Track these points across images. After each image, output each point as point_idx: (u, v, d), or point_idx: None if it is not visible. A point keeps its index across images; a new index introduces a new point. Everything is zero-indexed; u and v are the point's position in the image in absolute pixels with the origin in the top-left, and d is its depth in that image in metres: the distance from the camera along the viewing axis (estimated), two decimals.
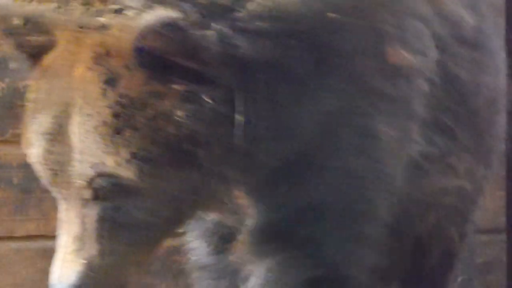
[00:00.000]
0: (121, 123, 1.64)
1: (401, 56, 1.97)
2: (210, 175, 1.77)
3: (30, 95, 1.77)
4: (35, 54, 1.75)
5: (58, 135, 1.68)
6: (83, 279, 1.64)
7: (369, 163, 1.95)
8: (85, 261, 1.65)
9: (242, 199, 1.90)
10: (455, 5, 2.29)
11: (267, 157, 1.82)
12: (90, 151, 1.64)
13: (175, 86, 1.66)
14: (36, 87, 1.76)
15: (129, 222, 1.71)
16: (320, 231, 1.94)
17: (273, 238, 1.97)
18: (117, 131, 1.63)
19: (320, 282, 1.94)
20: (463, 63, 2.27)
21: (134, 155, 1.65)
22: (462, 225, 2.61)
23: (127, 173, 1.65)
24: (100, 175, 1.65)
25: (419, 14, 2.08)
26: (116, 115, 1.63)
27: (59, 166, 1.69)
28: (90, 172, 1.65)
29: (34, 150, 1.73)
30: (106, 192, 1.67)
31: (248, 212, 1.95)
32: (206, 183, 1.78)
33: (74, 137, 1.65)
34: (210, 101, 1.70)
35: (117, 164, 1.64)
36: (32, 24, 1.70)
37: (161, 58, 1.62)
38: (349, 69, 1.85)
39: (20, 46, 1.77)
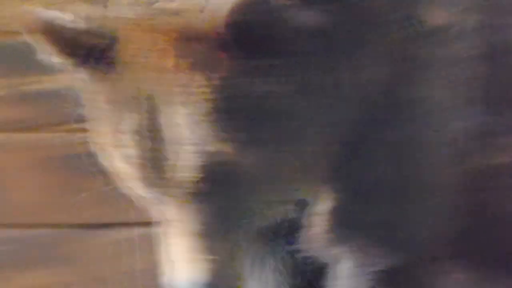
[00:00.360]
0: (234, 107, 1.61)
1: (439, 16, 1.85)
2: (311, 152, 1.73)
3: (101, 96, 1.72)
4: (89, 55, 1.69)
5: (159, 131, 1.63)
6: (212, 276, 1.63)
7: (426, 132, 1.89)
8: (209, 258, 1.63)
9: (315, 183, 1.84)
10: None
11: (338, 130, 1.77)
12: (204, 141, 1.61)
13: (271, 61, 1.61)
14: (113, 83, 1.69)
15: (241, 214, 1.70)
16: (397, 209, 1.89)
17: (346, 223, 1.93)
18: (234, 115, 1.61)
19: (407, 267, 1.91)
20: (510, 33, 2.05)
21: (251, 138, 1.62)
22: None
23: (245, 159, 1.63)
24: (217, 165, 1.62)
25: None
26: (226, 99, 1.60)
27: (164, 162, 1.65)
28: (206, 163, 1.62)
29: (135, 149, 1.68)
30: (222, 183, 1.64)
31: (319, 197, 1.89)
32: (308, 163, 1.74)
33: (182, 129, 1.61)
34: (316, 69, 1.66)
35: (235, 150, 1.61)
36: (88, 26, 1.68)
37: (251, 35, 1.56)
38: (390, 35, 1.78)
39: (72, 49, 1.68)
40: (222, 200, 1.66)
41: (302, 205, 1.92)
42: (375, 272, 1.92)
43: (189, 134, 1.60)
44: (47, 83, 3.51)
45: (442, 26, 1.85)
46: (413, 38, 1.83)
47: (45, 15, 1.63)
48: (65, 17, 1.66)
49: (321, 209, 1.90)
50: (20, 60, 3.34)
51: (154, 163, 1.66)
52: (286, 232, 2.04)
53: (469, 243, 2.10)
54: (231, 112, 1.60)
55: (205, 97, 1.58)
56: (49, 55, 1.70)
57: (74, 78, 1.83)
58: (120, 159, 1.74)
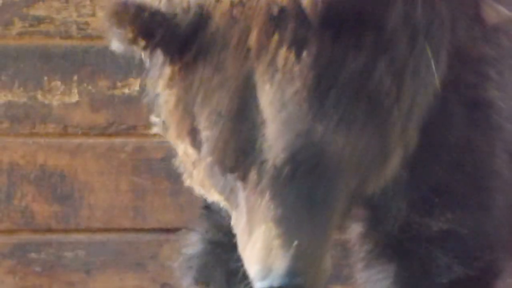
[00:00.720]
0: (325, 84, 1.59)
1: (498, 12, 1.89)
2: (394, 138, 1.70)
3: (191, 73, 1.70)
4: (181, 41, 1.67)
5: (243, 111, 1.63)
6: (298, 263, 1.55)
7: (484, 135, 1.91)
8: (295, 244, 1.55)
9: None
10: None
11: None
12: (295, 119, 1.58)
13: (367, 37, 1.62)
14: (199, 63, 1.68)
15: (325, 200, 1.63)
16: (453, 219, 1.87)
17: (399, 227, 1.90)
18: (324, 93, 1.59)
19: (465, 283, 1.87)
20: None
21: (342, 117, 1.60)
22: None
23: (336, 138, 1.60)
24: (306, 145, 1.59)
25: None
26: (318, 76, 1.58)
27: (249, 144, 1.62)
28: (295, 144, 1.58)
29: (213, 132, 1.65)
30: (309, 166, 1.60)
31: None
32: (390, 150, 1.72)
33: (269, 108, 1.59)
34: (404, 47, 1.68)
35: (326, 129, 1.59)
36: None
37: (341, 9, 1.55)
38: (450, 37, 1.81)
39: (164, 36, 1.65)
40: (308, 185, 1.61)
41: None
42: (443, 283, 1.88)
43: (280, 113, 1.58)
44: (126, 89, 3.55)
45: (499, 24, 1.91)
46: (474, 38, 1.88)
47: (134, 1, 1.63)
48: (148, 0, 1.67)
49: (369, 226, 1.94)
50: (104, 65, 3.41)
51: (239, 145, 1.63)
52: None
53: None
54: (323, 89, 1.59)
55: (297, 74, 1.57)
56: (129, 43, 1.68)
57: (151, 78, 1.84)
58: (205, 141, 1.68)
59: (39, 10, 3.36)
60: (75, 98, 3.45)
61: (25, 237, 3.55)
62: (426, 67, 1.74)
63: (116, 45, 1.72)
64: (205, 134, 1.68)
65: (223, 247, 2.13)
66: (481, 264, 1.89)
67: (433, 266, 1.90)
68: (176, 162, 1.96)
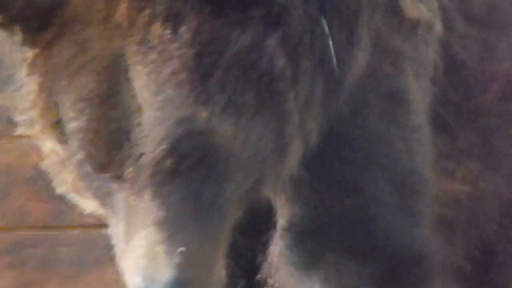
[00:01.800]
0: (208, 63, 1.39)
1: (417, 9, 1.74)
2: (292, 130, 1.51)
3: (51, 54, 1.46)
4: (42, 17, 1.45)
5: (113, 96, 1.40)
6: (185, 271, 1.35)
7: (403, 131, 1.74)
8: (180, 250, 1.34)
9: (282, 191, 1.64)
10: None
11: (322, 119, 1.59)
12: (175, 103, 1.37)
13: (254, 12, 1.43)
14: (60, 42, 1.45)
15: (215, 198, 1.43)
16: (373, 206, 1.70)
17: (320, 229, 1.70)
18: (207, 73, 1.39)
19: (396, 266, 1.71)
20: (472, 46, 1.98)
21: (229, 101, 1.41)
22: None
23: (223, 125, 1.40)
24: (189, 134, 1.38)
25: None
26: (199, 55, 1.38)
27: (123, 134, 1.38)
28: (177, 132, 1.36)
29: (80, 122, 1.41)
30: (193, 158, 1.39)
31: (287, 200, 1.68)
32: (286, 143, 1.52)
33: (144, 91, 1.38)
34: (296, 22, 1.49)
35: (212, 115, 1.38)
36: None
37: None
38: (373, 28, 1.66)
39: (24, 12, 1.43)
40: (194, 181, 1.40)
41: (269, 207, 1.70)
42: (368, 276, 1.70)
43: (156, 98, 1.38)
44: None
45: (418, 21, 1.75)
46: (396, 29, 1.73)
47: None
48: None
49: (284, 224, 1.69)
50: None
51: (111, 137, 1.40)
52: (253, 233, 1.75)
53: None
54: (206, 69, 1.39)
55: (174, 53, 1.37)
56: None
57: (13, 65, 1.60)
58: (70, 133, 1.45)
59: None
60: None
61: (22, 234, 3.69)
62: (323, 46, 1.56)
63: None
64: (71, 125, 1.43)
65: None
66: (409, 252, 1.73)
67: (357, 258, 1.70)
68: (44, 164, 1.68)
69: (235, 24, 1.41)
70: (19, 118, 1.61)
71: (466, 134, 1.98)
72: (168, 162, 1.36)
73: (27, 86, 1.53)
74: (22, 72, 1.52)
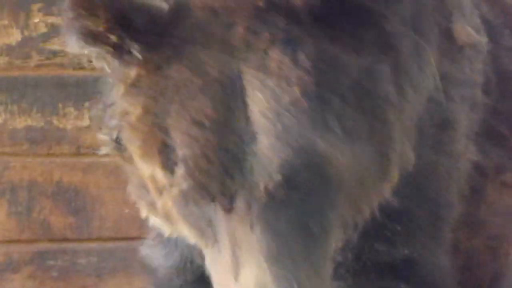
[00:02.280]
0: (326, 90, 1.33)
1: (469, 34, 1.75)
2: (394, 157, 1.47)
3: (162, 77, 1.39)
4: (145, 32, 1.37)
5: (228, 122, 1.32)
6: None
7: (448, 161, 1.73)
8: (294, 285, 1.27)
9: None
10: None
11: None
12: (293, 132, 1.30)
13: (367, 36, 1.39)
14: (172, 64, 1.38)
15: (322, 229, 1.36)
16: (412, 248, 1.69)
17: (360, 264, 1.69)
18: (327, 102, 1.33)
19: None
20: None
21: (345, 130, 1.35)
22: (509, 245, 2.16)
23: (340, 154, 1.34)
24: (307, 164, 1.31)
25: None
26: (318, 82, 1.32)
27: (236, 164, 1.31)
28: (293, 163, 1.29)
29: (191, 149, 1.33)
30: (306, 189, 1.33)
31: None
32: (388, 171, 1.48)
33: (261, 119, 1.31)
34: (406, 49, 1.47)
35: (330, 145, 1.32)
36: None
37: (343, 6, 1.34)
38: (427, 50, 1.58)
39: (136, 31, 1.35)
40: (304, 210, 1.33)
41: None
42: None
43: (274, 126, 1.30)
44: None
45: (467, 44, 1.74)
46: (446, 53, 1.68)
47: None
48: None
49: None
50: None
51: (224, 166, 1.32)
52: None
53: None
54: (326, 97, 1.33)
55: (294, 80, 1.31)
56: (97, 38, 1.36)
57: (107, 83, 1.56)
58: (166, 167, 1.38)
59: (54, 45, 3.67)
60: (86, 122, 3.66)
61: (43, 246, 3.82)
62: (426, 77, 1.56)
63: (74, 44, 1.38)
64: (181, 152, 1.34)
65: None
66: None
67: None
68: (129, 188, 1.65)
69: (350, 49, 1.36)
70: (102, 137, 1.59)
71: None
72: (283, 193, 1.30)
73: (122, 107, 1.46)
74: (118, 91, 1.46)
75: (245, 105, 1.32)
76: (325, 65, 1.33)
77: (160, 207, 1.49)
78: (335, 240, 1.45)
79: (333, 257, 1.47)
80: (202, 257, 1.52)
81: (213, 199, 1.33)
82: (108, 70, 1.46)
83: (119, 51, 1.38)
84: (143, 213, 1.62)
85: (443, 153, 1.71)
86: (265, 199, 1.30)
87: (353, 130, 1.36)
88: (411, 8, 1.51)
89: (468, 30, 1.72)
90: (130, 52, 1.38)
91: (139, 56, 1.37)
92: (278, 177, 1.28)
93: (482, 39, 1.81)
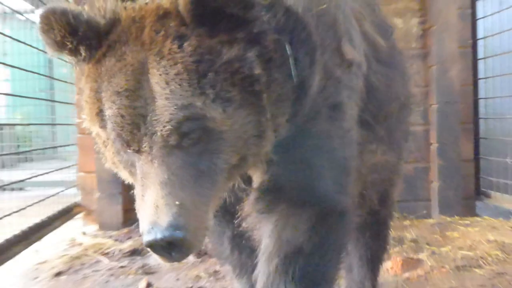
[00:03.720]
0: (204, 68, 1.82)
1: (352, 53, 2.40)
2: (266, 122, 1.96)
3: (100, 66, 1.92)
4: (98, 37, 1.92)
5: (136, 91, 1.83)
6: (179, 218, 1.71)
7: (340, 130, 2.30)
8: (177, 203, 1.73)
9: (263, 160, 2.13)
10: (374, 30, 2.95)
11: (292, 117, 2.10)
12: (178, 95, 1.80)
13: (238, 35, 1.90)
14: (106, 57, 1.92)
15: (209, 168, 1.86)
16: (317, 177, 2.21)
17: (279, 189, 2.19)
18: (202, 75, 1.81)
19: (326, 215, 2.21)
20: (381, 78, 2.85)
21: (218, 95, 1.83)
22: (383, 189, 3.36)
23: (213, 112, 1.82)
24: (189, 117, 1.80)
25: (355, 28, 2.61)
26: (197, 61, 1.82)
27: (141, 118, 1.81)
28: (179, 116, 1.79)
29: (112, 110, 1.86)
30: (192, 136, 1.82)
31: (260, 172, 2.20)
32: (262, 131, 1.96)
33: (157, 86, 1.81)
34: (270, 44, 1.97)
35: (205, 104, 1.81)
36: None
37: (217, 13, 1.85)
38: (324, 61, 2.19)
39: (86, 34, 1.90)
40: (192, 154, 1.83)
41: (248, 182, 2.27)
42: (306, 219, 2.18)
43: (165, 90, 1.80)
44: None
45: (352, 61, 2.39)
46: (338, 65, 2.30)
47: (61, 6, 1.89)
48: (74, 8, 1.92)
49: (256, 186, 2.23)
50: None
51: (133, 120, 1.82)
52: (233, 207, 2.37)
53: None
54: (201, 72, 1.81)
55: (179, 60, 1.81)
56: (58, 45, 1.93)
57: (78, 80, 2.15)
58: (106, 118, 1.90)
59: None
60: None
61: None
62: (288, 64, 2.04)
63: (49, 52, 1.98)
64: (107, 112, 1.88)
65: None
66: (340, 199, 2.27)
67: (299, 207, 2.20)
68: (95, 146, 2.21)
69: (225, 42, 1.88)
70: (83, 115, 2.09)
71: (380, 129, 2.87)
72: (172, 138, 1.80)
73: (84, 91, 2.01)
74: (82, 81, 2.03)
75: (148, 78, 1.83)
76: (203, 51, 1.84)
77: (108, 158, 2.10)
78: (222, 181, 1.95)
79: (222, 191, 2.07)
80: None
81: (128, 145, 1.86)
82: (77, 67, 2.06)
83: (74, 53, 1.96)
84: (105, 164, 2.19)
85: (334, 124, 2.27)
86: (161, 143, 1.81)
87: (225, 97, 1.85)
88: (292, 24, 2.10)
89: (353, 51, 2.42)
90: (81, 53, 1.94)
91: (84, 54, 1.95)
92: (168, 126, 1.79)
93: (362, 60, 2.54)
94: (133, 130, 1.83)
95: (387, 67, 2.97)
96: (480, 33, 6.71)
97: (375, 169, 3.01)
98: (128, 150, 1.89)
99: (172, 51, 1.83)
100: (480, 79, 6.72)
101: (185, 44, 1.83)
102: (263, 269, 2.20)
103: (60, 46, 1.92)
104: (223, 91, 1.85)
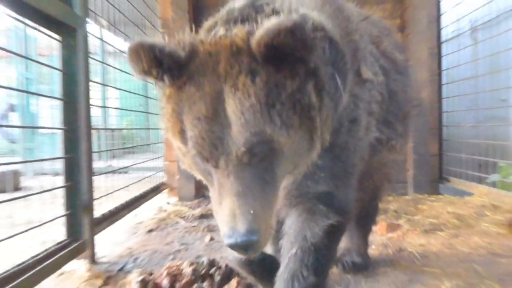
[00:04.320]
0: (272, 99, 1.60)
1: (368, 74, 2.16)
2: (317, 138, 1.76)
3: (181, 92, 1.69)
4: (171, 68, 1.67)
5: (215, 117, 1.61)
6: (254, 225, 1.53)
7: (354, 141, 2.08)
8: (251, 212, 1.55)
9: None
10: (391, 48, 2.71)
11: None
12: (251, 124, 1.58)
13: (299, 70, 1.66)
14: (186, 85, 1.67)
15: (272, 178, 1.66)
16: (330, 186, 2.01)
17: (299, 193, 2.02)
18: (271, 106, 1.60)
19: (335, 223, 2.04)
20: (398, 84, 2.63)
21: (284, 122, 1.61)
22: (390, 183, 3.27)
23: (279, 137, 1.62)
24: (260, 141, 1.59)
25: (370, 51, 2.37)
26: (267, 94, 1.59)
27: (219, 141, 1.60)
28: (252, 140, 1.58)
29: (194, 132, 1.63)
30: (261, 156, 1.61)
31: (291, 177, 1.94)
32: (313, 145, 1.77)
33: (233, 115, 1.59)
34: (323, 75, 1.76)
35: (273, 131, 1.60)
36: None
37: (286, 52, 1.58)
38: (347, 80, 1.94)
39: (165, 63, 1.65)
40: (260, 169, 1.62)
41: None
42: (320, 226, 2.04)
43: (241, 120, 1.58)
44: None
45: (367, 79, 2.16)
46: (357, 83, 2.08)
47: (148, 41, 1.62)
48: (160, 42, 1.64)
49: (284, 186, 1.94)
50: None
51: (212, 142, 1.61)
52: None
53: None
54: (270, 103, 1.60)
55: (252, 93, 1.58)
56: (145, 73, 1.66)
57: (159, 99, 1.85)
58: (189, 139, 1.66)
59: None
60: None
61: None
62: (336, 89, 1.83)
63: (136, 76, 1.68)
64: (189, 134, 1.66)
65: None
66: (343, 213, 2.08)
67: (317, 214, 2.05)
68: (175, 155, 1.97)
69: (288, 77, 1.64)
70: (161, 127, 1.89)
71: (399, 126, 2.63)
72: (245, 157, 1.59)
73: (165, 109, 1.77)
74: (163, 101, 1.78)
75: (224, 107, 1.60)
76: (271, 85, 1.61)
77: (186, 164, 1.86)
78: (282, 183, 1.78)
79: (281, 192, 1.81)
80: None
81: (207, 161, 1.65)
82: (160, 90, 1.78)
83: (159, 79, 1.69)
84: (182, 166, 1.94)
85: (351, 136, 2.05)
86: (236, 161, 1.60)
87: (288, 123, 1.63)
88: (334, 55, 1.86)
89: (368, 71, 2.15)
90: (164, 80, 1.69)
91: (168, 82, 1.69)
92: (242, 149, 1.58)
93: (375, 78, 2.26)
94: (212, 150, 1.62)
95: (403, 76, 2.76)
96: (444, 66, 6.62)
97: (387, 164, 2.83)
98: (206, 164, 1.69)
99: (246, 84, 1.59)
100: (443, 98, 6.65)
101: (257, 79, 1.60)
102: (286, 251, 2.09)
103: (146, 73, 1.67)
104: (287, 118, 1.63)
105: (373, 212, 3.48)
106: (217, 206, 1.64)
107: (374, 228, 3.88)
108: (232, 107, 1.59)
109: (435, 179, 6.49)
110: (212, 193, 1.73)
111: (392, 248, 3.76)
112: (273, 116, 1.61)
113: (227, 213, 1.56)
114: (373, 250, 3.73)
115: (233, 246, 1.55)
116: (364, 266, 3.28)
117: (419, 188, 6.33)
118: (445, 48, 6.67)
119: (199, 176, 1.85)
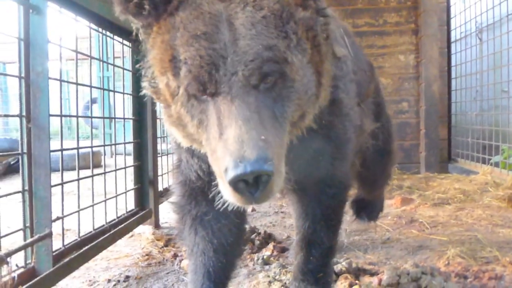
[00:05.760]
0: (286, 16, 1.26)
1: (341, 51, 1.68)
2: (321, 86, 1.40)
3: (172, 19, 1.29)
4: None
5: (215, 34, 1.20)
6: (267, 152, 1.10)
7: (339, 118, 1.70)
8: (263, 138, 1.12)
9: None
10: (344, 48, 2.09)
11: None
12: (264, 35, 1.20)
13: (310, 3, 1.34)
14: (179, 10, 1.28)
15: (281, 114, 1.24)
16: (328, 167, 1.70)
17: (302, 173, 1.64)
18: (286, 21, 1.25)
19: (335, 195, 1.79)
20: (361, 75, 2.19)
21: (299, 43, 1.26)
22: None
23: (294, 58, 1.25)
24: (272, 58, 1.20)
25: (340, 33, 1.94)
26: (281, 9, 1.25)
27: (221, 59, 1.18)
28: (264, 55, 1.18)
29: (190, 52, 1.20)
30: (270, 79, 1.21)
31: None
32: (318, 92, 1.39)
33: (242, 28, 1.20)
34: (329, 21, 1.42)
35: (288, 48, 1.23)
36: None
37: None
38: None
39: None
40: (269, 98, 1.22)
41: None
42: (322, 195, 1.76)
43: (251, 31, 1.20)
44: None
45: (342, 56, 1.70)
46: (334, 64, 1.59)
47: None
48: None
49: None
50: None
51: (212, 61, 1.18)
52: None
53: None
54: (285, 18, 1.26)
55: (265, 5, 1.25)
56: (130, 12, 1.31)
57: (144, 48, 1.41)
58: (184, 60, 1.22)
59: None
60: None
61: None
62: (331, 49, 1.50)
63: (119, 15, 1.33)
64: (183, 56, 1.22)
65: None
66: (343, 186, 1.83)
67: (321, 192, 1.77)
68: (157, 104, 1.54)
69: (300, 5, 1.31)
70: (144, 80, 1.43)
71: (366, 105, 2.30)
72: (253, 78, 1.18)
73: (152, 50, 1.34)
74: (149, 42, 1.35)
75: (228, 23, 1.21)
76: (284, 4, 1.28)
77: (174, 113, 1.35)
78: (289, 129, 1.32)
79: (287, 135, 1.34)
80: None
81: (204, 87, 1.21)
82: (145, 35, 1.38)
83: (139, 9, 1.31)
84: (166, 124, 1.44)
85: (335, 115, 1.65)
86: (242, 82, 1.18)
87: (303, 46, 1.28)
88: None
89: (340, 49, 1.67)
90: (144, 8, 1.30)
91: (148, 7, 1.30)
92: (251, 65, 1.18)
93: (347, 53, 1.85)
94: (212, 71, 1.18)
95: (359, 67, 2.25)
96: (452, 63, 6.46)
97: (374, 137, 2.54)
98: (203, 96, 1.24)
99: None
100: (452, 90, 6.50)
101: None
102: (300, 223, 1.82)
103: (134, 7, 1.30)
104: (301, 40, 1.27)
105: (388, 165, 3.13)
106: (215, 142, 1.19)
107: (390, 201, 3.79)
108: (240, 20, 1.21)
109: (444, 160, 6.37)
110: (207, 134, 1.25)
111: (405, 219, 3.69)
112: (288, 31, 1.25)
113: (231, 142, 1.11)
114: (388, 220, 3.68)
115: (239, 181, 1.10)
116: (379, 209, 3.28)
117: (430, 167, 6.19)
118: (453, 47, 6.52)
119: (189, 130, 1.34)
